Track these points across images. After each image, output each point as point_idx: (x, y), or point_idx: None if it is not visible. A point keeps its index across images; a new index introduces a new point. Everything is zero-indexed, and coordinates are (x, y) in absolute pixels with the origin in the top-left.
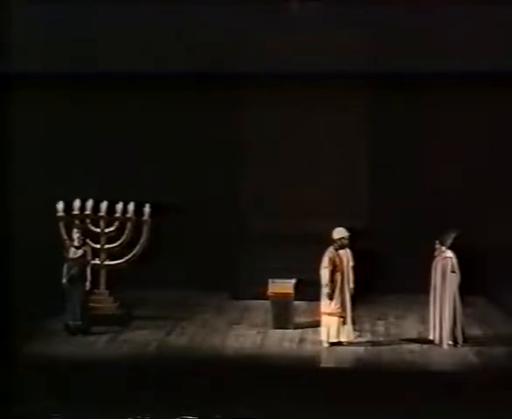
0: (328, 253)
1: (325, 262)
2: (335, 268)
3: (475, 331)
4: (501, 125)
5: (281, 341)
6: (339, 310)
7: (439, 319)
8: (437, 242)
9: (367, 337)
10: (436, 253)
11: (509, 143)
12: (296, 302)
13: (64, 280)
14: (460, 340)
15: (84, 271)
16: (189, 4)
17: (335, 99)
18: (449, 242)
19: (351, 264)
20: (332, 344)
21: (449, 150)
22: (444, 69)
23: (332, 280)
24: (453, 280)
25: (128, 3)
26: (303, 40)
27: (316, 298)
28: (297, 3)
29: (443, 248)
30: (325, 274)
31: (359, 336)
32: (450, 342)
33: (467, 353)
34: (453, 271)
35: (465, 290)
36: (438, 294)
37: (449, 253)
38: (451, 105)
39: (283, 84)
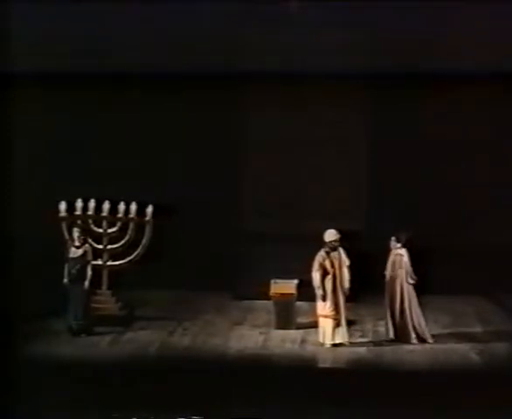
0: (318, 257)
1: (315, 266)
2: (325, 271)
3: (477, 329)
4: (502, 125)
5: (284, 342)
6: (333, 312)
7: (391, 314)
8: (393, 238)
9: (369, 337)
10: (391, 249)
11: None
12: (298, 302)
13: (65, 280)
14: (427, 337)
15: (85, 271)
16: (189, 4)
17: (335, 99)
18: (404, 239)
19: (347, 263)
20: (334, 345)
21: (450, 150)
22: (444, 69)
23: (323, 283)
24: (403, 277)
25: (129, 2)
26: (303, 40)
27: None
28: (297, 3)
29: (398, 244)
30: (316, 277)
31: (361, 336)
32: (414, 340)
33: (468, 352)
34: (401, 268)
35: (467, 289)
36: (388, 289)
37: (401, 250)
38: (452, 105)
39: (283, 84)
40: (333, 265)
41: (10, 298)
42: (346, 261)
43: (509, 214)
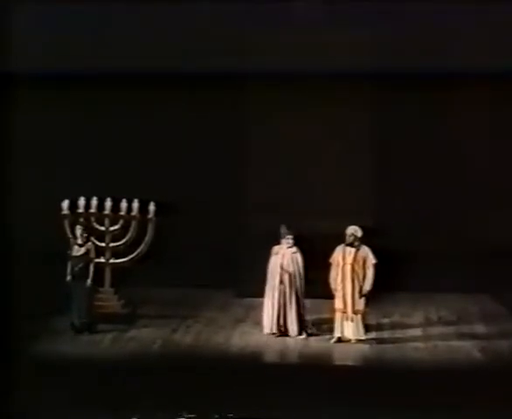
0: (336, 250)
1: (332, 259)
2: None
3: (480, 327)
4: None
5: (287, 339)
6: (340, 306)
7: (284, 310)
8: (289, 237)
9: (372, 334)
10: (280, 246)
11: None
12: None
13: (68, 278)
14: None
15: (87, 269)
16: (189, 4)
17: (336, 99)
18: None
19: (373, 261)
20: (339, 340)
21: (453, 148)
22: (445, 69)
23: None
24: (298, 273)
25: (129, 2)
26: (303, 40)
27: (321, 296)
28: (297, 4)
29: (290, 241)
30: (331, 270)
31: (365, 333)
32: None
33: (471, 350)
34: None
35: (470, 287)
36: (276, 286)
37: (295, 248)
38: (453, 104)
39: (283, 84)
40: (344, 260)
41: (11, 297)
42: (372, 259)
43: None
